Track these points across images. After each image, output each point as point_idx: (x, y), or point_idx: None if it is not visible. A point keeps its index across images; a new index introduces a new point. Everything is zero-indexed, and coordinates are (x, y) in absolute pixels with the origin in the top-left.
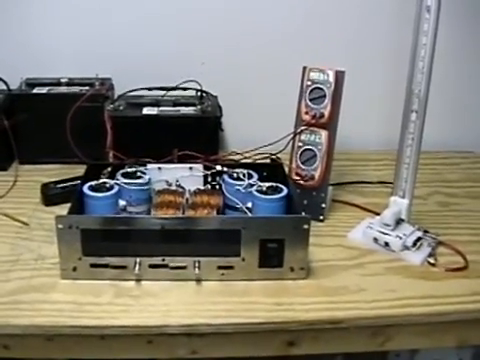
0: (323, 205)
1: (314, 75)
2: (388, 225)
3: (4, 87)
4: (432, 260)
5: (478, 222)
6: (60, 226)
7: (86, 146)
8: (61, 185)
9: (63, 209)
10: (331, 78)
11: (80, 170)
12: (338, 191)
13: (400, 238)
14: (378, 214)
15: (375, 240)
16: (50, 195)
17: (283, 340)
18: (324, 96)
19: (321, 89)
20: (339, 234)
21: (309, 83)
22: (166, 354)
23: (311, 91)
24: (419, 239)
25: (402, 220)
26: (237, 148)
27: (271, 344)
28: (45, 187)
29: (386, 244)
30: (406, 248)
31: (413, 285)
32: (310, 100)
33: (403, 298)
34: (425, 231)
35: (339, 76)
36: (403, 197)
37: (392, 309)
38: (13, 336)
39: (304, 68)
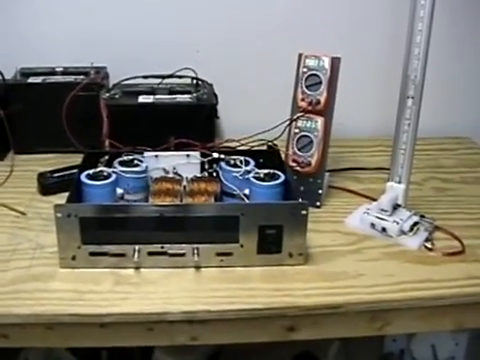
0: (320, 191)
1: (310, 62)
2: (385, 210)
3: None
4: (429, 245)
5: (473, 207)
6: (59, 215)
7: (82, 135)
8: (57, 174)
9: (60, 198)
10: (327, 64)
11: (76, 159)
12: (334, 177)
13: (397, 223)
14: (375, 200)
15: (372, 225)
16: (47, 184)
17: (283, 325)
18: (320, 83)
19: (317, 76)
20: (336, 220)
21: (305, 70)
22: (166, 341)
23: (307, 78)
24: (416, 224)
25: (399, 205)
26: (232, 136)
27: (271, 329)
28: (41, 176)
29: (383, 229)
30: (403, 233)
31: (411, 270)
32: (306, 87)
33: (401, 282)
34: (421, 216)
35: (335, 62)
36: (399, 182)
37: (391, 293)
38: (13, 325)
39: (300, 55)
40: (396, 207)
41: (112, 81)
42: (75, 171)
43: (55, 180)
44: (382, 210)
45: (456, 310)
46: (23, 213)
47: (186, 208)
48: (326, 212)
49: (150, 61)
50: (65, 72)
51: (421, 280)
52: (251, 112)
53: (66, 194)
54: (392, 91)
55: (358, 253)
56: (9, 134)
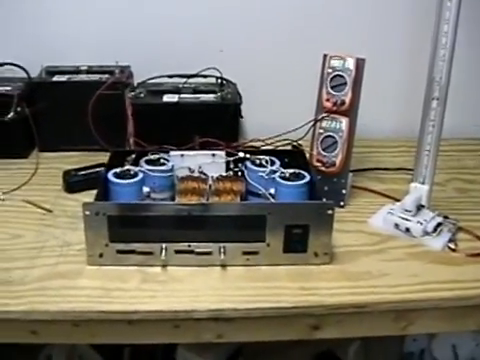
0: (344, 191)
1: (335, 62)
2: (409, 211)
3: (24, 75)
4: (452, 245)
5: None
6: (87, 213)
7: (106, 133)
8: (83, 172)
9: (85, 196)
10: (352, 65)
11: (100, 157)
12: (357, 177)
13: (421, 224)
14: (398, 200)
15: (396, 226)
16: (72, 182)
17: (308, 324)
18: (345, 83)
19: (342, 76)
20: (360, 220)
21: (330, 70)
22: (192, 338)
23: (332, 78)
24: (439, 225)
25: (422, 206)
26: (255, 135)
27: (296, 328)
28: (67, 174)
29: (407, 230)
30: (426, 234)
31: (434, 270)
32: (331, 87)
33: (425, 283)
34: (445, 217)
35: (360, 63)
36: (423, 183)
37: (415, 293)
38: (41, 322)
39: (325, 56)
40: (420, 208)
41: (136, 80)
42: (100, 169)
43: (80, 178)
44: (406, 210)
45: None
46: (49, 210)
47: (213, 207)
48: (350, 212)
49: (172, 61)
50: (90, 71)
51: (445, 281)
52: (273, 112)
53: (91, 192)
54: (414, 91)
55: (382, 253)
56: (35, 132)
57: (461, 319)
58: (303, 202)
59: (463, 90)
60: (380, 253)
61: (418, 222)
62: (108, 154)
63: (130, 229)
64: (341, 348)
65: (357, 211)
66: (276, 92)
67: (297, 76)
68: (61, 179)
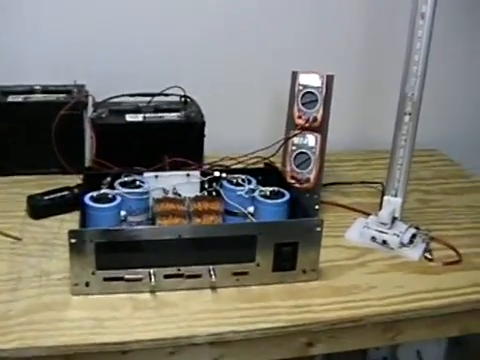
0: (317, 207)
1: (305, 80)
2: (385, 224)
3: None
4: (429, 255)
5: (459, 217)
6: (73, 240)
7: (66, 155)
8: (48, 197)
9: (53, 221)
10: (322, 82)
11: (59, 180)
12: (322, 193)
13: (397, 236)
14: (366, 214)
15: (373, 239)
16: (38, 207)
17: (302, 341)
18: (316, 100)
19: (313, 93)
20: (335, 235)
21: (301, 88)
22: None
23: (303, 95)
24: (414, 236)
25: (395, 218)
26: (216, 154)
27: (291, 346)
28: (32, 199)
29: (384, 242)
30: (403, 245)
31: (417, 280)
32: (302, 104)
33: (411, 293)
34: (416, 228)
35: (329, 80)
36: (396, 196)
37: (405, 304)
38: (31, 358)
39: (294, 73)
40: (393, 220)
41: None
42: (66, 193)
43: (46, 203)
44: (381, 223)
45: (462, 317)
46: (18, 238)
47: (206, 229)
48: (325, 227)
49: (129, 80)
50: (45, 90)
51: (428, 290)
52: (233, 129)
53: (56, 217)
54: (367, 106)
55: (364, 266)
56: None
57: (445, 325)
58: (293, 220)
59: None
60: (362, 266)
61: (394, 234)
62: (66, 177)
63: (118, 255)
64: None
65: (330, 226)
66: (234, 110)
67: (255, 94)
68: (25, 204)
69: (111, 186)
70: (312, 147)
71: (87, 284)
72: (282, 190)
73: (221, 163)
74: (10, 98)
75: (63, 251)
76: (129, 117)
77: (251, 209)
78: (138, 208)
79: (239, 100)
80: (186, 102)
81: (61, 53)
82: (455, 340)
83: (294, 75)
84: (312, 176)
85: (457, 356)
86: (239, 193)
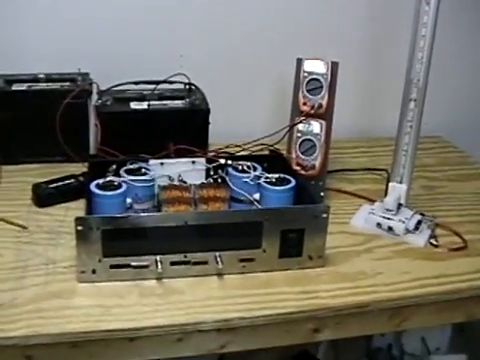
0: (322, 194)
1: (310, 66)
2: (390, 210)
3: None
4: (434, 241)
5: (463, 203)
6: (80, 228)
7: (70, 143)
8: (53, 185)
9: (58, 210)
10: (327, 69)
11: (63, 169)
12: (327, 179)
13: (403, 222)
14: (371, 200)
15: (378, 225)
16: (44, 196)
17: (309, 327)
18: (321, 87)
19: (318, 80)
20: (341, 221)
21: (306, 74)
22: (196, 350)
23: (308, 82)
24: (419, 222)
25: (401, 205)
26: (220, 141)
27: (298, 332)
28: (37, 187)
29: (390, 228)
30: (409, 231)
31: (423, 266)
32: (307, 91)
33: (418, 279)
34: (422, 214)
35: (334, 67)
36: (401, 182)
37: (411, 290)
38: (38, 346)
39: (299, 60)
40: (399, 206)
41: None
42: (71, 181)
43: (52, 191)
44: (387, 210)
45: (467, 303)
46: (24, 227)
47: (212, 215)
48: (330, 214)
49: (131, 68)
50: (49, 79)
51: (434, 276)
52: (237, 117)
53: (62, 205)
54: (370, 92)
55: (370, 252)
56: None
57: (450, 312)
58: (299, 206)
59: None
60: (368, 253)
61: (400, 220)
62: (71, 165)
63: (125, 242)
64: (311, 346)
65: (336, 212)
66: (238, 97)
67: (258, 80)
68: (30, 193)
69: (117, 174)
70: (317, 134)
71: (94, 271)
72: (288, 177)
73: (226, 150)
74: (14, 87)
75: (69, 239)
76: (134, 105)
77: (257, 196)
78: (144, 195)
79: (244, 87)
80: (191, 89)
81: (65, 41)
82: (459, 327)
83: (299, 62)
84: (317, 163)
85: (461, 343)
86: (245, 180)
